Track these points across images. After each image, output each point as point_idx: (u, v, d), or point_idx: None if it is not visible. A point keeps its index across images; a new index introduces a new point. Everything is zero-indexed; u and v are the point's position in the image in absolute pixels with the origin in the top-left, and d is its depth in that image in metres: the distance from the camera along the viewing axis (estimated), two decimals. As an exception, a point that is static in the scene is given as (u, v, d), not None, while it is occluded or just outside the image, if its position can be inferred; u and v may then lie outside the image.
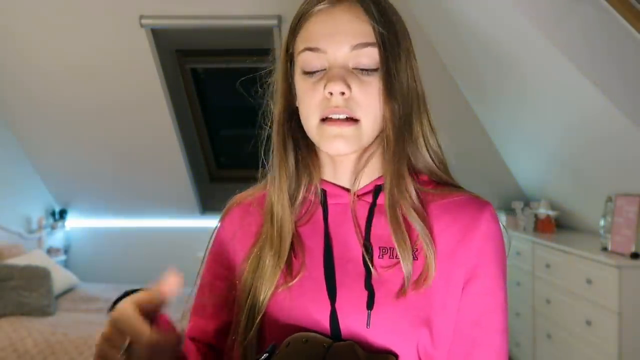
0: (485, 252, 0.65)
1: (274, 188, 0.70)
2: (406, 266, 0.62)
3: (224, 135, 4.07)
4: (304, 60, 0.65)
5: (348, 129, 0.62)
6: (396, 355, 0.61)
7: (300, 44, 0.66)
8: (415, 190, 0.67)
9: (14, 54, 3.14)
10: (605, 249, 2.39)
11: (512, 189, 3.56)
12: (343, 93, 0.61)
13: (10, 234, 3.54)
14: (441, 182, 0.70)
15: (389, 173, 0.65)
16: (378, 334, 0.61)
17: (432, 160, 0.69)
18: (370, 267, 0.64)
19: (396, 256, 0.64)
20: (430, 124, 0.69)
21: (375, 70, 0.63)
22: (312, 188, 0.70)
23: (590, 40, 2.06)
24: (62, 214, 4.10)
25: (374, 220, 0.67)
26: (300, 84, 0.66)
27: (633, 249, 2.22)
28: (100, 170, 3.77)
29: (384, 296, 0.63)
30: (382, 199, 0.67)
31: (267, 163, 0.72)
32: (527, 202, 3.40)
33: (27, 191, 3.87)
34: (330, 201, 0.70)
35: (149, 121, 3.47)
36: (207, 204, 4.05)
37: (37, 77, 3.25)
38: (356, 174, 0.68)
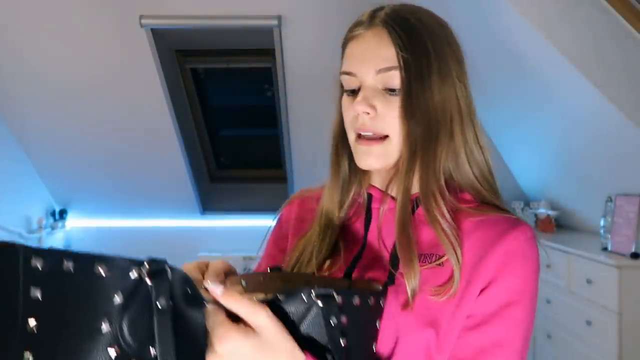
0: (506, 267, 0.64)
1: (327, 190, 0.77)
2: (410, 280, 0.64)
3: (224, 135, 4.07)
4: (343, 80, 0.72)
5: (376, 147, 0.68)
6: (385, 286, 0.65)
7: (342, 66, 0.73)
8: (449, 206, 0.68)
9: (13, 53, 3.14)
10: (605, 249, 2.39)
11: (512, 189, 3.56)
12: (368, 113, 0.67)
13: (10, 234, 3.54)
14: (484, 201, 0.71)
15: (399, 188, 0.68)
16: (386, 332, 0.64)
17: (476, 178, 0.71)
18: (393, 271, 0.67)
19: (425, 261, 0.66)
20: (477, 141, 0.71)
21: (400, 90, 0.67)
22: (361, 192, 0.76)
23: (590, 40, 2.06)
24: (62, 214, 4.10)
25: (414, 226, 0.69)
26: (343, 102, 0.74)
27: (633, 249, 2.22)
28: (101, 170, 3.77)
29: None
30: (420, 210, 0.70)
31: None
32: (527, 202, 3.40)
33: (27, 191, 3.87)
34: (374, 206, 0.74)
35: (149, 121, 3.47)
36: (207, 204, 4.05)
37: (37, 76, 3.25)
38: (396, 183, 0.71)
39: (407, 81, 0.66)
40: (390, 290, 0.65)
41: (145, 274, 0.45)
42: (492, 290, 0.64)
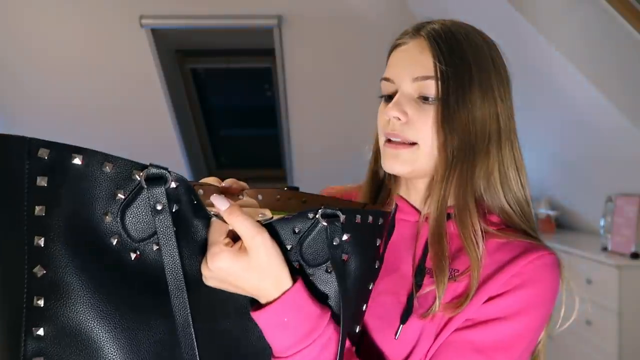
0: (515, 287, 0.64)
1: (359, 193, 0.80)
2: (440, 290, 0.64)
3: (224, 135, 4.07)
4: (382, 86, 0.73)
5: (403, 151, 0.68)
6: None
7: (384, 73, 0.74)
8: (480, 226, 0.67)
9: (13, 52, 3.14)
10: (605, 249, 2.39)
11: (512, 189, 3.55)
12: (399, 119, 0.67)
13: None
14: (512, 226, 0.70)
15: (433, 200, 0.68)
16: (403, 342, 0.66)
17: (507, 201, 0.69)
18: (418, 282, 0.67)
19: (449, 277, 0.66)
20: (514, 163, 0.71)
21: (435, 100, 0.67)
22: (389, 201, 0.77)
23: (590, 40, 2.06)
24: (62, 214, 4.10)
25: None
26: (380, 107, 0.74)
27: (633, 249, 2.22)
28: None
29: (418, 308, 0.66)
30: (447, 226, 0.69)
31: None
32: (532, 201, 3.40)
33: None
34: (398, 216, 0.73)
35: (149, 121, 3.47)
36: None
37: (37, 76, 3.25)
38: (426, 197, 0.72)
39: (444, 92, 0.66)
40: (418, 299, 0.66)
41: (142, 178, 0.47)
42: (498, 300, 0.64)
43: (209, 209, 0.53)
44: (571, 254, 2.50)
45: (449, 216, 0.70)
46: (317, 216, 0.55)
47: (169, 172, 0.49)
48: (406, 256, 0.71)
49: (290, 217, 0.54)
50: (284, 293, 0.53)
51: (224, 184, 0.66)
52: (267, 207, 0.60)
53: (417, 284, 0.67)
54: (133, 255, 0.48)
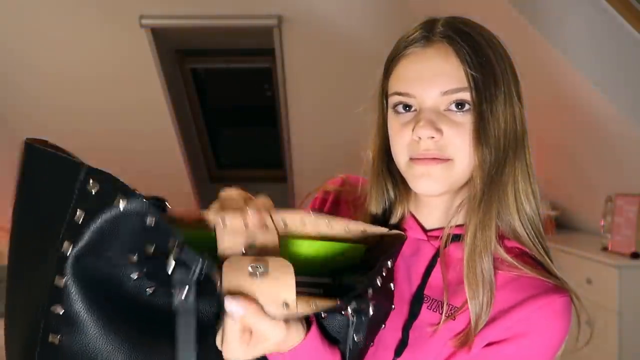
0: (522, 334, 0.59)
1: (367, 215, 0.70)
2: (474, 312, 0.60)
3: (224, 135, 4.07)
4: (395, 101, 0.63)
5: (436, 167, 0.60)
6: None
7: (392, 86, 0.64)
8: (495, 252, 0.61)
9: (13, 53, 3.14)
10: (605, 249, 2.39)
11: (512, 189, 3.55)
12: (433, 137, 0.59)
13: (10, 234, 3.53)
14: (526, 252, 0.63)
15: (472, 223, 0.61)
16: None
17: (519, 221, 0.62)
18: (416, 308, 0.63)
19: (446, 313, 0.61)
20: (527, 171, 0.63)
21: (469, 110, 0.60)
22: (398, 216, 0.69)
23: (590, 40, 2.06)
24: (62, 214, 4.10)
25: (436, 268, 0.65)
26: (391, 122, 0.65)
27: (633, 249, 2.22)
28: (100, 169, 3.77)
29: (414, 343, 0.62)
30: (453, 249, 0.64)
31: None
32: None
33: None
34: (410, 234, 0.68)
35: (149, 121, 3.47)
36: (207, 204, 4.04)
37: (37, 77, 3.25)
38: (437, 215, 0.65)
39: (478, 103, 0.59)
40: (415, 326, 0.62)
41: (173, 258, 0.46)
42: (500, 347, 0.60)
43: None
44: (571, 254, 2.50)
45: (456, 237, 0.64)
46: (348, 310, 0.51)
47: (202, 257, 0.46)
48: (404, 277, 0.65)
49: (325, 317, 0.52)
50: (303, 339, 0.51)
51: (252, 220, 0.54)
52: (291, 232, 0.57)
53: (413, 314, 0.63)
54: (150, 291, 0.47)
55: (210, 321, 0.50)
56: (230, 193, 0.56)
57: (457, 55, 0.59)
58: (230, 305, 0.46)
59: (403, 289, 0.64)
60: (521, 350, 0.59)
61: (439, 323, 0.61)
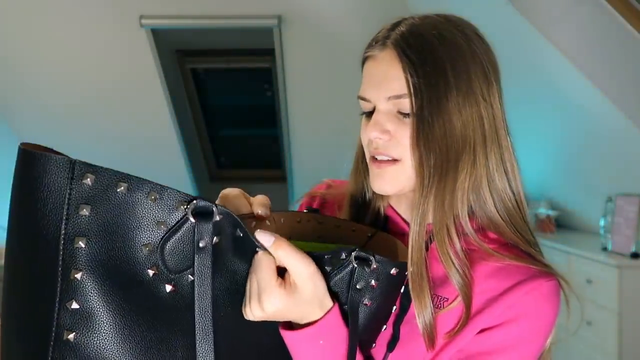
0: (511, 319, 0.61)
1: (345, 206, 0.75)
2: (421, 317, 0.61)
3: (224, 135, 4.07)
4: (360, 103, 0.68)
5: (388, 169, 0.64)
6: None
7: (360, 89, 0.68)
8: (469, 245, 0.64)
9: (14, 52, 3.14)
10: (605, 249, 2.39)
11: (512, 189, 3.55)
12: (380, 139, 0.63)
13: (10, 234, 3.53)
14: (510, 243, 0.65)
15: (413, 218, 0.63)
16: None
17: (497, 212, 0.64)
18: (405, 305, 0.64)
19: (437, 305, 0.63)
20: (502, 165, 0.65)
21: (411, 115, 0.63)
22: (380, 212, 0.73)
23: (590, 40, 2.06)
24: (62, 214, 4.10)
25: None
26: (362, 124, 0.69)
27: (633, 249, 2.22)
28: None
29: (405, 338, 0.63)
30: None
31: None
32: (527, 202, 3.39)
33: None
34: (391, 228, 0.71)
35: (149, 121, 3.47)
36: (207, 204, 4.05)
37: (38, 77, 3.25)
38: (412, 211, 0.66)
39: (418, 107, 0.61)
40: (404, 323, 0.64)
41: (190, 213, 0.46)
42: (491, 333, 0.61)
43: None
44: (571, 254, 2.50)
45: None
46: (350, 257, 0.54)
47: (215, 205, 0.48)
48: None
49: (325, 255, 0.54)
50: (326, 313, 0.54)
51: (258, 212, 0.59)
52: (288, 230, 0.59)
53: (404, 308, 0.64)
54: (168, 288, 0.47)
55: (233, 285, 0.52)
56: (230, 192, 0.59)
57: (400, 61, 0.62)
58: (262, 235, 0.51)
59: None
60: (512, 335, 0.61)
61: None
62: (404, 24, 0.65)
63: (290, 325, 0.56)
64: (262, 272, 0.51)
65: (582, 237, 2.87)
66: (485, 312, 0.61)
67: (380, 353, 0.64)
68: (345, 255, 0.54)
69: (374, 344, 0.62)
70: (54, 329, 0.43)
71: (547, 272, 0.63)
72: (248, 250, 0.52)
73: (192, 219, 0.46)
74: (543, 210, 3.11)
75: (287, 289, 0.52)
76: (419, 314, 0.61)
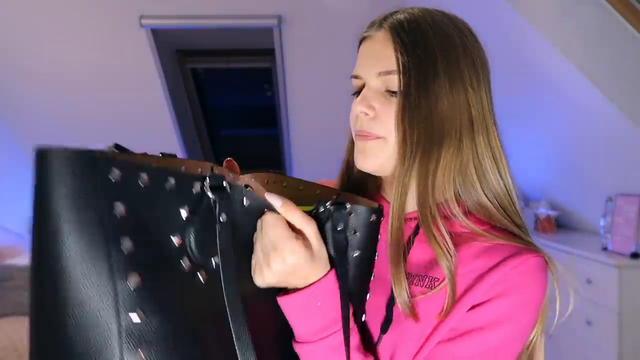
0: (498, 294, 0.61)
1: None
2: (399, 297, 0.62)
3: (224, 135, 4.07)
4: (352, 83, 0.70)
5: (370, 144, 0.66)
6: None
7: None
8: (455, 227, 0.64)
9: (14, 52, 3.14)
10: (605, 249, 2.39)
11: (512, 189, 3.55)
12: (366, 114, 0.65)
13: (11, 234, 3.54)
14: (498, 226, 0.66)
15: (394, 196, 0.64)
16: (385, 350, 0.65)
17: (485, 196, 0.65)
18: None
19: (428, 285, 0.64)
20: (490, 151, 0.66)
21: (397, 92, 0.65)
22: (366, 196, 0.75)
23: (590, 40, 2.06)
24: (62, 214, 4.10)
25: (414, 246, 0.67)
26: (352, 104, 0.71)
27: (633, 249, 2.22)
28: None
29: (397, 319, 0.65)
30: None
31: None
32: (527, 202, 3.39)
33: (27, 191, 3.86)
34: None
35: (149, 121, 3.48)
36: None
37: (37, 77, 3.25)
38: (394, 194, 0.66)
39: (405, 85, 0.62)
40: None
41: (208, 188, 0.47)
42: (480, 309, 0.62)
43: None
44: (571, 254, 2.50)
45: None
46: (328, 206, 0.58)
47: (226, 180, 0.49)
48: (384, 257, 0.67)
49: (316, 212, 0.58)
50: (326, 274, 0.58)
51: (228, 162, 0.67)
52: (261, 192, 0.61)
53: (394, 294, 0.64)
54: (202, 276, 0.46)
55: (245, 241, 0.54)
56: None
57: (393, 41, 0.64)
58: (272, 197, 0.57)
59: (385, 269, 0.66)
60: (501, 310, 0.61)
61: (423, 294, 0.64)
62: (403, 10, 0.68)
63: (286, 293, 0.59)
64: (277, 229, 0.55)
65: (582, 237, 2.87)
66: (473, 289, 0.62)
67: (375, 335, 0.66)
68: (324, 208, 0.58)
69: (368, 295, 0.65)
70: (119, 309, 0.40)
71: (533, 249, 0.64)
72: (255, 215, 0.55)
73: (210, 194, 0.47)
74: (543, 210, 3.11)
75: (304, 242, 0.56)
76: (398, 297, 0.62)
